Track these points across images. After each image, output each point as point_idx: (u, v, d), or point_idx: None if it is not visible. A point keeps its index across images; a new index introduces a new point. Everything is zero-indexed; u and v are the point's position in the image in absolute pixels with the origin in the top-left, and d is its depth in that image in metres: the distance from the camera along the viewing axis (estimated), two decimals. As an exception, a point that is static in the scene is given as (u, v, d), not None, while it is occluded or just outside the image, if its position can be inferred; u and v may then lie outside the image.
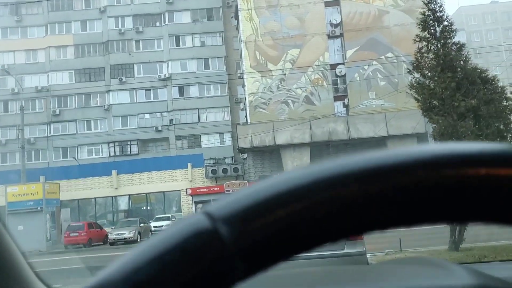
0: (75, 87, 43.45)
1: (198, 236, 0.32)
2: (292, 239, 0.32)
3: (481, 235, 11.97)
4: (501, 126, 9.75)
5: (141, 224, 27.76)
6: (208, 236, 0.32)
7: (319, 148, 34.12)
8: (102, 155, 43.18)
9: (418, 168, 0.33)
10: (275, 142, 33.06)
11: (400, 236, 12.16)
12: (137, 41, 44.94)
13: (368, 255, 10.56)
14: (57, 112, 43.69)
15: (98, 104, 44.56)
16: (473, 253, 9.18)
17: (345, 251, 6.33)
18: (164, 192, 36.94)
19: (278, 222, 0.32)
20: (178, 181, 36.44)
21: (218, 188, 32.09)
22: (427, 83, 10.50)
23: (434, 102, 10.29)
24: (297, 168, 0.35)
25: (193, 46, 44.62)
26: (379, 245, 12.53)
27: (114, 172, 36.79)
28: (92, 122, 44.37)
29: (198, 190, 32.23)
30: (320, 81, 35.20)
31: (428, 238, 13.41)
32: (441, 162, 0.32)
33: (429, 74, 10.39)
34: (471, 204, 0.32)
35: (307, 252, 0.33)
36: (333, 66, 35.42)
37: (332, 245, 0.33)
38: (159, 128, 43.49)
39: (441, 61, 10.03)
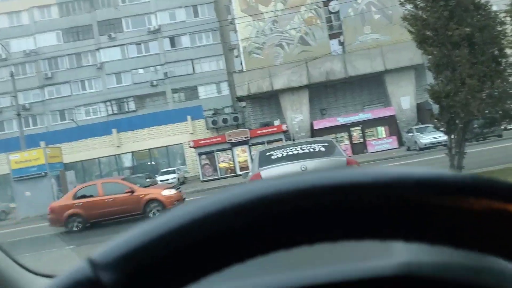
0: (64, 47, 42.67)
1: (79, 286, 0.33)
2: (176, 277, 0.33)
3: (475, 162, 12.09)
4: (496, 52, 9.57)
5: (148, 180, 28.09)
6: (89, 285, 0.33)
7: (318, 90, 33.87)
8: (100, 114, 43.07)
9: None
10: (272, 88, 32.78)
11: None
12: (122, -6, 43.68)
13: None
14: (49, 75, 43.20)
15: (90, 63, 43.93)
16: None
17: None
18: (167, 146, 37.15)
19: (161, 262, 0.33)
20: (180, 135, 36.54)
21: (220, 139, 32.16)
22: (420, 14, 10.22)
23: (428, 33, 10.06)
24: (183, 205, 0.35)
25: (180, -7, 43.37)
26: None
27: (114, 130, 36.85)
28: (86, 82, 43.94)
29: (200, 142, 32.31)
30: (313, 20, 34.36)
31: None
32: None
33: (422, 4, 10.10)
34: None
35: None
36: (326, 3, 34.47)
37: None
38: (154, 82, 43.09)
39: (433, -10, 9.72)
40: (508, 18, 6.28)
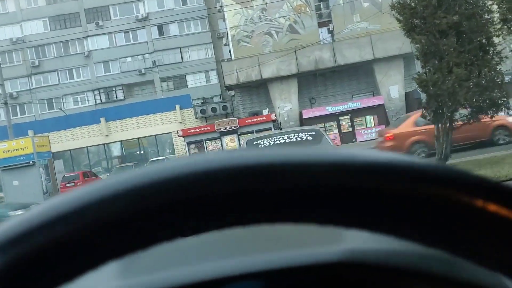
0: (51, 35, 42.08)
1: None
2: (58, 268, 0.32)
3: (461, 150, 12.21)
4: (483, 41, 9.60)
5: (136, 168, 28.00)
6: None
7: (307, 79, 33.82)
8: (88, 103, 42.67)
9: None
10: (261, 76, 32.66)
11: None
12: (110, -19, 43.05)
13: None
14: (37, 63, 42.62)
15: (78, 52, 43.42)
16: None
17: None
18: (155, 135, 36.98)
19: (42, 253, 0.31)
20: (168, 124, 36.37)
21: (209, 128, 32.09)
22: (408, 2, 10.20)
23: (416, 21, 10.05)
24: (74, 190, 0.34)
25: (168, -19, 42.87)
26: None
27: (102, 119, 36.55)
28: (74, 70, 43.44)
29: (189, 131, 32.20)
30: (302, 8, 34.19)
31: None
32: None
33: (410, -8, 10.08)
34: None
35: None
36: (315, -9, 34.31)
37: None
38: (143, 71, 42.72)
39: (421, -23, 9.69)
40: (495, 6, 6.29)
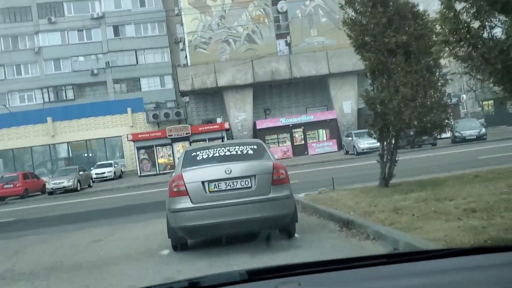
0: (0, 28, 40.18)
1: None
2: None
3: (407, 170, 12.29)
4: (431, 62, 9.67)
5: (81, 172, 26.84)
6: None
7: (262, 89, 33.78)
8: (35, 101, 40.94)
9: None
10: (217, 84, 32.33)
11: (333, 174, 12.29)
12: (65, -23, 41.64)
13: (302, 194, 10.66)
14: (-19, 56, 40.56)
15: (27, 47, 41.66)
16: (402, 188, 9.33)
17: (271, 195, 6.18)
18: (104, 138, 35.78)
19: None
20: (119, 127, 35.32)
21: (160, 133, 31.35)
22: (360, 18, 10.17)
23: (366, 38, 10.01)
24: None
25: (127, -18, 41.90)
26: (313, 184, 12.62)
27: (49, 119, 35.06)
28: (22, 66, 41.65)
29: (139, 136, 31.34)
30: (261, 18, 34.21)
31: (359, 175, 13.68)
32: None
33: (361, 9, 10.03)
34: None
35: None
36: (274, 2, 34.43)
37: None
38: (95, 71, 41.46)
39: (373, -5, 9.67)
40: (438, 27, 6.27)
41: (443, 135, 12.32)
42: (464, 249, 1.42)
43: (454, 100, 29.67)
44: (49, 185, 25.19)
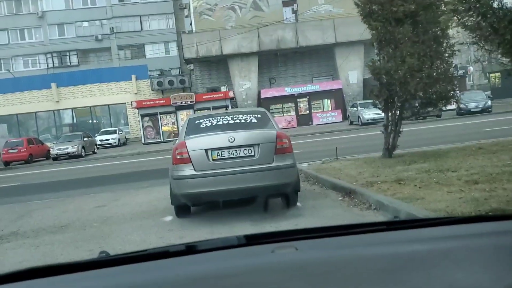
0: (2, -9, 39.67)
1: None
2: None
3: (411, 141, 12.27)
4: (438, 32, 9.50)
5: (85, 138, 26.98)
6: None
7: (268, 58, 33.43)
8: (39, 67, 40.73)
9: None
10: (222, 52, 32.00)
11: (337, 144, 12.29)
12: None
13: (305, 164, 10.69)
14: (-16, 20, 40.16)
15: (31, 11, 41.15)
16: (405, 159, 9.33)
17: (274, 164, 6.19)
18: (109, 105, 35.75)
19: None
20: (123, 94, 35.23)
21: (164, 101, 31.25)
22: (368, -14, 9.95)
23: (373, 7, 9.82)
24: None
25: None
26: (317, 154, 12.64)
27: (53, 85, 34.96)
28: (26, 31, 41.25)
29: (144, 103, 31.26)
30: (268, -15, 33.52)
31: (363, 146, 13.68)
32: None
33: (369, -24, 9.81)
34: None
35: None
36: (281, -31, 33.65)
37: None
38: (99, 37, 41.06)
39: (382, -38, 9.44)
40: (448, -3, 6.15)
41: (448, 107, 12.19)
42: (465, 217, 1.43)
43: (460, 71, 29.29)
44: (54, 151, 25.35)
